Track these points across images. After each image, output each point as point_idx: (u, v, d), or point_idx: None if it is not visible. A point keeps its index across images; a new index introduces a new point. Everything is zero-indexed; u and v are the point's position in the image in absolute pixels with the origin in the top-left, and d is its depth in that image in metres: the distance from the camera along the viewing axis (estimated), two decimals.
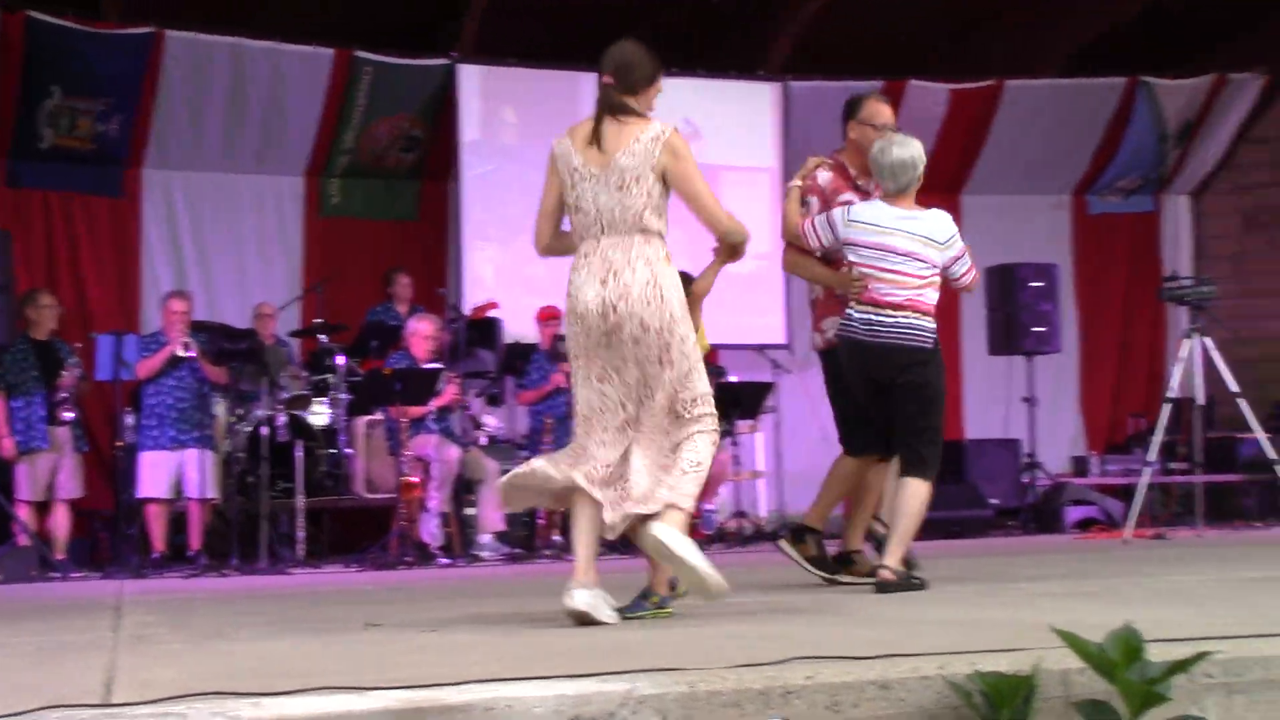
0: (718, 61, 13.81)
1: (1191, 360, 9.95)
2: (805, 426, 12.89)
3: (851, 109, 6.81)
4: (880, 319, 6.31)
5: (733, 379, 12.23)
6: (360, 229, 13.28)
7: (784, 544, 6.84)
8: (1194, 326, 10.07)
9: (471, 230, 12.91)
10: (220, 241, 12.86)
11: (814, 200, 6.65)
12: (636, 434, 5.06)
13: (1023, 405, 12.59)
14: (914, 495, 6.21)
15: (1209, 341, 10.02)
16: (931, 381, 6.35)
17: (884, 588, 6.07)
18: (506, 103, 13.13)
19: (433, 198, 13.50)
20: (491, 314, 12.03)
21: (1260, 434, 9.99)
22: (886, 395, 6.38)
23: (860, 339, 6.36)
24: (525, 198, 13.17)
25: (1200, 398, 10.26)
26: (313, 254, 13.07)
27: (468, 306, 12.22)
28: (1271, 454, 9.98)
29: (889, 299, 6.31)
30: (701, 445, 5.06)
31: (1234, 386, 9.82)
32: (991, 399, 13.38)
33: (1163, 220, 15.44)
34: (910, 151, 6.37)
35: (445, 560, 10.03)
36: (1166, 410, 10.22)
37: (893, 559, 6.18)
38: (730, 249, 5.40)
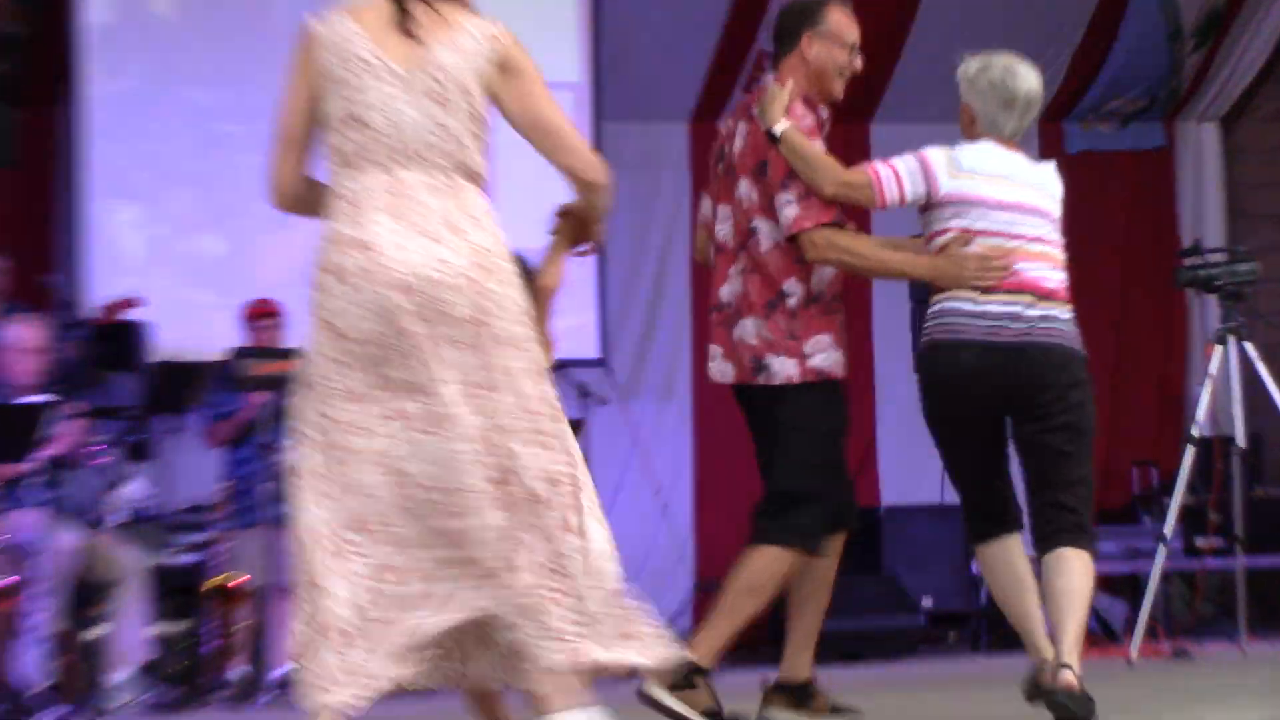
0: None
1: (1225, 377, 10.03)
2: (629, 481, 12.88)
3: (806, 17, 7.14)
4: (1037, 313, 6.63)
5: None
6: None
7: (654, 690, 6.73)
8: (1228, 326, 10.21)
9: (103, 184, 12.69)
10: None
11: (818, 143, 6.93)
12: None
13: None
14: (1085, 573, 6.67)
15: (1250, 348, 10.16)
16: (1090, 405, 6.81)
17: (1069, 701, 6.34)
18: None
19: (39, 132, 13.30)
20: (131, 315, 11.85)
21: None
22: (999, 431, 7.03)
23: (1003, 342, 6.62)
24: (189, 129, 13.51)
25: (1240, 436, 10.37)
26: None
27: (95, 304, 12.09)
28: None
29: (1045, 284, 6.67)
30: (599, 537, 5.03)
31: None
32: (918, 444, 13.20)
33: (1178, 161, 15.67)
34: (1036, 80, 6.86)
35: (56, 711, 9.84)
36: (1189, 456, 10.36)
37: (1074, 656, 6.46)
38: (584, 220, 5.21)
